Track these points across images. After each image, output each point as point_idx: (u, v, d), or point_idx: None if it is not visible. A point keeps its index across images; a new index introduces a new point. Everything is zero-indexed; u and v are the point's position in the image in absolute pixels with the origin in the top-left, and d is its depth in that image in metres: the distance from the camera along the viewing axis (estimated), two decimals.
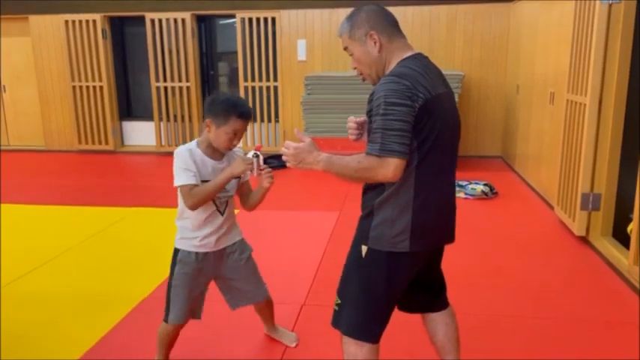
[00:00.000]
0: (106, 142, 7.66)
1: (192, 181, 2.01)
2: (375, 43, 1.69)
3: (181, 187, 2.02)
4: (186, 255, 2.16)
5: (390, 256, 1.68)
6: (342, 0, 6.69)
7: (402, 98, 1.54)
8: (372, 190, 1.70)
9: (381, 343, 1.80)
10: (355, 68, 1.78)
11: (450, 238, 1.83)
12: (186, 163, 2.02)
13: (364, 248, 1.71)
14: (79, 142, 7.69)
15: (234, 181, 2.14)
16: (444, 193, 1.73)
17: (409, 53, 1.71)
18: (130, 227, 4.31)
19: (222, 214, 2.15)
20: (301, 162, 1.67)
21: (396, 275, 1.71)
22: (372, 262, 1.70)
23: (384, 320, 1.78)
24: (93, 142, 7.69)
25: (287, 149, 1.69)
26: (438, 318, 1.96)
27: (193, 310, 2.23)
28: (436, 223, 1.72)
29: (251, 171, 2.03)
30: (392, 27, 1.72)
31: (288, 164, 1.71)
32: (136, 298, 2.98)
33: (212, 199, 2.08)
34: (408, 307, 1.98)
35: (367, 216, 1.71)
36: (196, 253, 2.15)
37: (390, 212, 1.65)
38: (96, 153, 7.65)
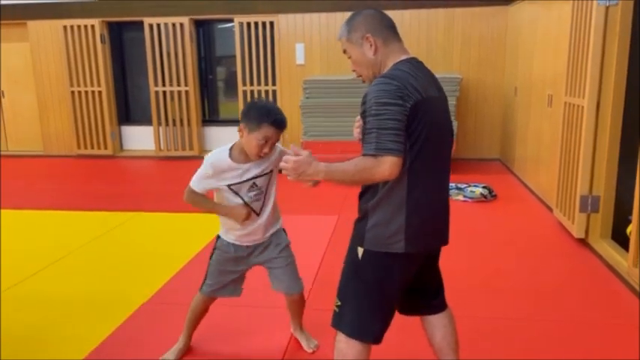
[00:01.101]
0: (105, 147, 7.66)
1: (198, 187, 2.16)
2: (370, 45, 1.73)
3: (189, 186, 2.17)
4: (224, 244, 2.29)
5: (385, 257, 1.70)
6: (340, 1, 6.71)
7: (394, 98, 1.58)
8: (368, 192, 1.73)
9: (383, 344, 1.80)
10: (354, 70, 1.82)
11: (444, 242, 1.86)
12: (204, 171, 2.14)
13: (360, 250, 1.73)
14: (78, 146, 7.69)
15: (263, 179, 2.18)
16: (436, 197, 1.75)
17: (404, 57, 1.74)
18: (129, 232, 4.31)
19: (257, 215, 2.22)
20: (302, 174, 1.66)
21: (392, 276, 1.73)
22: (369, 264, 1.73)
23: (384, 321, 1.79)
24: (92, 147, 7.69)
25: (287, 163, 1.67)
26: (435, 320, 1.97)
27: (228, 290, 2.35)
28: (430, 225, 1.74)
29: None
30: (388, 30, 1.76)
31: (289, 177, 1.70)
32: (137, 302, 2.98)
33: (206, 212, 2.28)
34: (406, 310, 1.99)
35: (362, 218, 1.74)
36: (231, 244, 2.27)
37: (384, 213, 1.68)
38: (95, 158, 7.65)
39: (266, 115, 2.03)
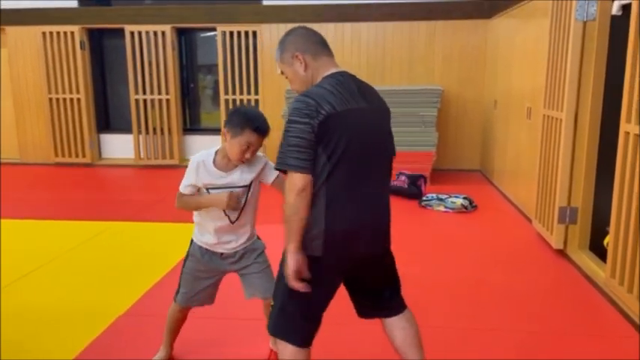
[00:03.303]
0: (84, 155, 7.55)
1: (185, 190, 2.17)
2: (300, 63, 1.82)
3: (179, 191, 2.19)
4: (196, 250, 2.27)
5: (308, 261, 1.73)
6: (323, 12, 6.75)
7: (301, 116, 1.66)
8: None
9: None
10: (293, 89, 1.90)
11: (376, 250, 1.88)
12: (190, 174, 2.15)
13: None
14: (56, 154, 7.56)
15: (243, 189, 2.18)
16: (362, 206, 1.77)
17: (332, 70, 1.82)
18: (107, 242, 4.23)
19: (232, 223, 2.22)
20: (286, 266, 1.72)
21: (314, 280, 1.75)
22: None
23: (308, 323, 1.83)
24: (70, 155, 7.57)
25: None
26: (394, 323, 2.00)
27: (203, 298, 2.33)
28: (353, 234, 1.76)
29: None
30: (317, 46, 1.85)
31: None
32: (114, 313, 2.92)
33: (195, 210, 2.23)
34: (363, 313, 2.04)
35: None
36: (203, 249, 2.26)
37: (308, 218, 1.73)
38: (73, 166, 7.53)
39: (249, 121, 2.06)
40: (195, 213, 2.24)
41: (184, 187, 2.17)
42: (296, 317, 1.81)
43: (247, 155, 2.08)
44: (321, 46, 1.85)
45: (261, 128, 2.07)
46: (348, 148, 1.69)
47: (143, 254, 3.94)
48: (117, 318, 2.89)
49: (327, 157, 1.68)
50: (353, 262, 1.83)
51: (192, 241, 2.30)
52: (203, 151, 2.18)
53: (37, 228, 4.60)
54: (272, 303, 1.87)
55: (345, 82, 1.78)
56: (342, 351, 2.53)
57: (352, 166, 1.72)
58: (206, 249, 2.25)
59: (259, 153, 2.19)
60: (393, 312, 2.00)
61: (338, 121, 1.68)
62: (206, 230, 2.23)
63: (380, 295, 1.99)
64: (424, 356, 2.01)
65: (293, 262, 1.69)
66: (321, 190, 1.70)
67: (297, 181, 1.65)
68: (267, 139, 2.20)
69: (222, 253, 2.25)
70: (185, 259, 2.31)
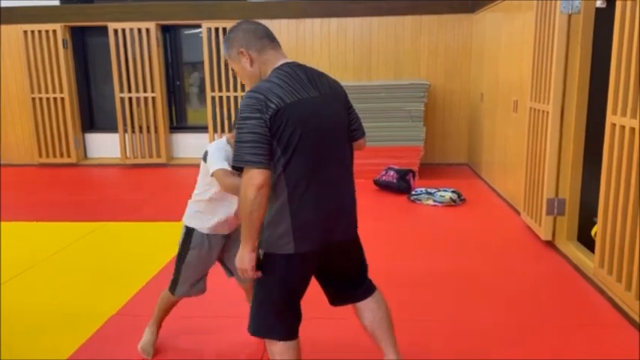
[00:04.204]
0: (68, 155, 7.45)
1: (227, 167, 2.07)
2: (246, 58, 1.82)
3: (218, 170, 2.08)
4: (199, 240, 2.28)
5: (280, 258, 1.76)
6: (308, 7, 6.72)
7: (252, 112, 1.66)
8: None
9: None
10: (244, 84, 1.91)
11: (345, 236, 1.90)
12: (223, 155, 2.11)
13: (261, 252, 1.80)
14: (40, 155, 7.46)
15: None
16: (327, 194, 1.79)
17: (280, 63, 1.81)
18: (95, 243, 4.18)
19: None
20: (242, 262, 1.75)
21: (287, 276, 1.79)
22: (266, 265, 1.79)
23: (288, 318, 1.85)
24: (54, 155, 7.47)
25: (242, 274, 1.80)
26: (363, 306, 2.04)
27: (201, 287, 2.40)
28: (319, 223, 1.78)
29: None
30: (262, 40, 1.84)
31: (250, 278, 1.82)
32: (104, 315, 2.89)
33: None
34: (334, 301, 2.06)
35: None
36: (208, 235, 2.28)
37: (272, 215, 1.75)
38: (57, 166, 7.43)
39: None
40: (200, 201, 2.26)
41: (222, 162, 2.07)
42: (276, 312, 1.82)
43: None
44: (267, 40, 1.84)
45: None
46: (303, 139, 1.70)
47: (132, 254, 3.90)
48: (108, 319, 2.86)
49: (281, 151, 1.69)
50: (324, 251, 1.84)
51: (191, 232, 2.29)
52: (216, 142, 2.21)
53: (23, 230, 4.53)
54: (251, 303, 1.88)
55: (293, 72, 1.78)
56: (338, 347, 2.53)
57: (309, 155, 1.73)
58: (208, 235, 2.28)
59: None
60: (364, 295, 2.03)
61: (288, 113, 1.68)
62: (215, 215, 2.26)
63: (350, 280, 2.02)
64: (394, 335, 2.05)
65: (250, 261, 1.73)
66: (280, 184, 1.71)
67: (256, 176, 1.64)
68: None
69: (223, 235, 2.31)
70: (184, 252, 2.31)
